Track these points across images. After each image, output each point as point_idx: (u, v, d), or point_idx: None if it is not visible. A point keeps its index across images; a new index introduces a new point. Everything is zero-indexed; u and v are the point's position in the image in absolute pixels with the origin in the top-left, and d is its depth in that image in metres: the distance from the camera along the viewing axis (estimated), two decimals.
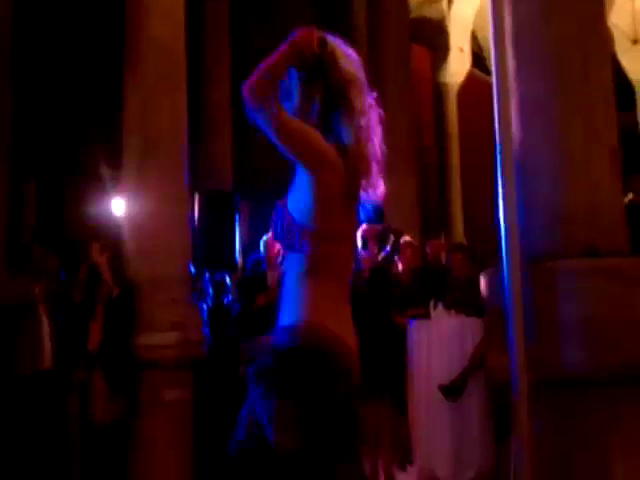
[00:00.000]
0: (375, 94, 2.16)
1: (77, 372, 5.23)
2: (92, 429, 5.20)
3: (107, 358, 5.23)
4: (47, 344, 5.13)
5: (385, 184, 2.15)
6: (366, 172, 2.08)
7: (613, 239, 2.50)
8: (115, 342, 5.20)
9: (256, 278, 5.82)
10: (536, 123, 2.59)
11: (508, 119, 2.46)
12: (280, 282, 2.13)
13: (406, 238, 5.91)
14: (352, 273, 2.18)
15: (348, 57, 2.09)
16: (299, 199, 2.04)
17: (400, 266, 5.79)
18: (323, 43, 2.03)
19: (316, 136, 2.01)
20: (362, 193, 2.11)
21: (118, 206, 8.38)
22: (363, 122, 2.08)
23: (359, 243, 5.93)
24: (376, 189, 2.13)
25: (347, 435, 1.98)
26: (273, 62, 1.96)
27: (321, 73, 2.05)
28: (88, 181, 9.37)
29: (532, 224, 2.52)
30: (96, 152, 8.92)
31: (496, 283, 2.45)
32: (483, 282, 2.67)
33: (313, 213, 2.00)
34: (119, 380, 5.19)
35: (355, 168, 2.03)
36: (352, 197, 2.06)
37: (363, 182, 2.08)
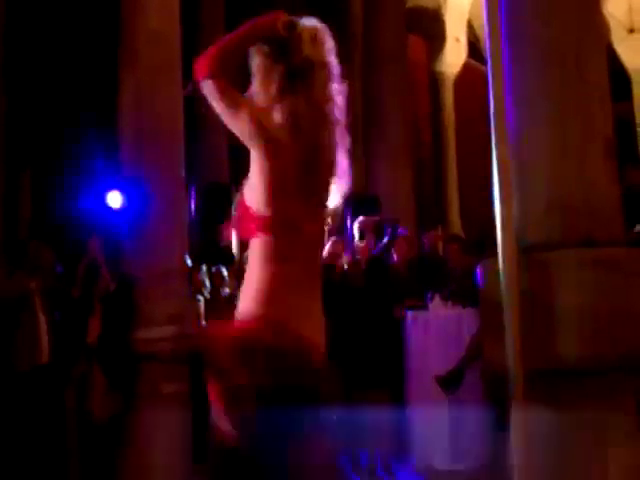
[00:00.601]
0: (344, 84, 2.13)
1: (76, 366, 5.23)
2: (90, 423, 5.20)
3: (105, 352, 5.22)
4: (44, 339, 5.13)
5: (351, 176, 2.13)
6: (324, 162, 2.04)
7: (610, 229, 2.50)
8: (113, 336, 5.20)
9: None
10: (531, 113, 2.59)
11: (502, 108, 2.45)
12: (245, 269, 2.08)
13: (402, 230, 5.91)
14: (320, 260, 2.12)
15: (316, 41, 2.07)
16: (253, 184, 2.01)
17: (395, 258, 5.79)
18: (291, 26, 2.04)
19: (262, 115, 1.99)
20: (327, 186, 2.07)
21: (114, 199, 8.36)
22: (326, 108, 2.05)
23: (356, 235, 5.94)
24: (342, 179, 2.11)
25: (303, 430, 1.92)
26: (228, 40, 2.01)
27: (284, 55, 2.04)
28: (84, 174, 9.35)
29: (528, 214, 2.52)
30: (92, 144, 8.89)
31: (492, 273, 2.45)
32: (479, 272, 2.66)
33: (266, 197, 1.96)
34: (117, 374, 5.19)
35: (310, 155, 1.99)
36: (309, 185, 2.00)
37: (323, 173, 2.05)
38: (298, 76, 2.03)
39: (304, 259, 2.00)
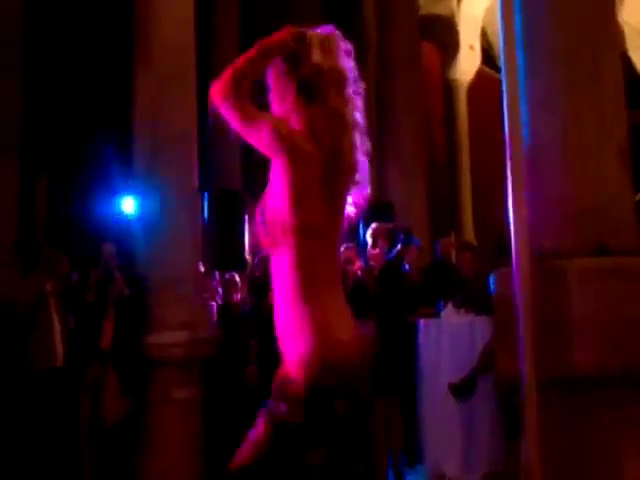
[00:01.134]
0: (361, 87, 2.13)
1: (90, 370, 5.25)
2: (103, 427, 5.22)
3: (119, 356, 5.25)
4: (59, 342, 5.16)
5: (371, 184, 2.15)
6: (345, 167, 2.05)
7: (624, 238, 2.49)
8: (126, 341, 5.22)
9: (266, 277, 5.82)
10: (545, 121, 2.58)
11: (517, 117, 2.44)
12: (271, 289, 2.08)
13: (415, 240, 5.90)
14: (339, 269, 2.14)
15: (326, 48, 2.08)
16: (276, 194, 2.02)
17: (407, 266, 5.78)
18: (300, 37, 2.05)
19: (282, 126, 2.02)
20: (347, 191, 2.09)
21: (128, 205, 8.41)
22: (345, 113, 2.06)
23: (369, 242, 5.93)
24: (360, 186, 2.13)
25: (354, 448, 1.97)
26: (240, 62, 2.03)
27: (296, 66, 2.06)
28: (99, 179, 9.41)
29: (542, 222, 2.51)
30: (107, 150, 8.95)
31: (506, 281, 2.44)
32: (493, 280, 2.66)
33: (291, 206, 1.98)
34: (130, 378, 5.21)
35: (331, 161, 2.01)
36: (332, 191, 2.02)
37: (344, 177, 2.06)
38: (311, 85, 2.04)
39: (331, 264, 2.04)
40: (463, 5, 11.62)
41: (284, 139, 1.99)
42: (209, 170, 9.07)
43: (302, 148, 1.99)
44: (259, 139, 2.02)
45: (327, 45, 2.09)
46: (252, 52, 2.04)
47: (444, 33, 11.64)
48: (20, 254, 5.83)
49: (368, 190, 2.16)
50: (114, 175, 8.82)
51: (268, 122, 2.02)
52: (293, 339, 1.96)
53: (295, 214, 1.98)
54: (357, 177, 2.11)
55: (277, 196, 2.02)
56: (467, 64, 11.68)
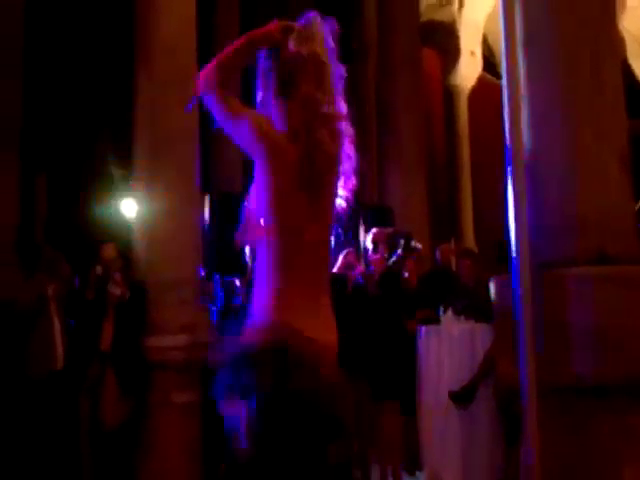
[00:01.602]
0: (342, 70, 2.11)
1: (90, 371, 5.25)
2: (102, 429, 5.21)
3: (118, 359, 5.24)
4: (59, 345, 5.16)
5: (356, 176, 2.13)
6: (325, 159, 2.01)
7: (624, 246, 2.49)
8: (126, 343, 5.22)
9: None
10: (547, 128, 2.59)
11: (518, 123, 2.45)
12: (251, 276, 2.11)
13: (416, 244, 5.90)
14: (327, 263, 2.10)
15: (305, 36, 2.06)
16: (257, 192, 2.03)
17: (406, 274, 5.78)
18: (287, 30, 2.06)
19: (263, 122, 2.01)
20: (333, 186, 2.07)
21: (129, 207, 8.41)
22: (325, 104, 2.04)
23: (370, 247, 5.93)
24: (346, 178, 2.10)
25: (315, 434, 1.92)
26: (225, 53, 2.04)
27: (277, 58, 2.07)
28: (99, 181, 9.42)
29: (542, 229, 2.51)
30: (107, 152, 8.96)
31: (506, 289, 2.44)
32: (493, 288, 2.66)
33: (268, 203, 1.98)
34: (130, 381, 5.20)
35: (310, 156, 1.98)
36: (313, 190, 2.00)
37: (326, 173, 2.03)
38: (289, 76, 2.03)
39: (309, 262, 2.00)
40: (464, 11, 11.64)
41: (263, 135, 1.98)
42: (210, 172, 9.08)
43: (281, 147, 1.98)
44: (240, 134, 2.02)
45: (307, 31, 2.07)
46: (238, 43, 2.05)
47: (445, 39, 11.66)
48: (21, 254, 5.83)
49: (354, 181, 2.13)
50: (114, 176, 8.83)
51: (250, 117, 2.01)
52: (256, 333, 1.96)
53: (273, 211, 1.98)
54: (341, 168, 2.08)
55: (257, 194, 2.03)
56: (468, 70, 11.70)
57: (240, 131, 2.01)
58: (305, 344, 1.91)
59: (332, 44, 2.10)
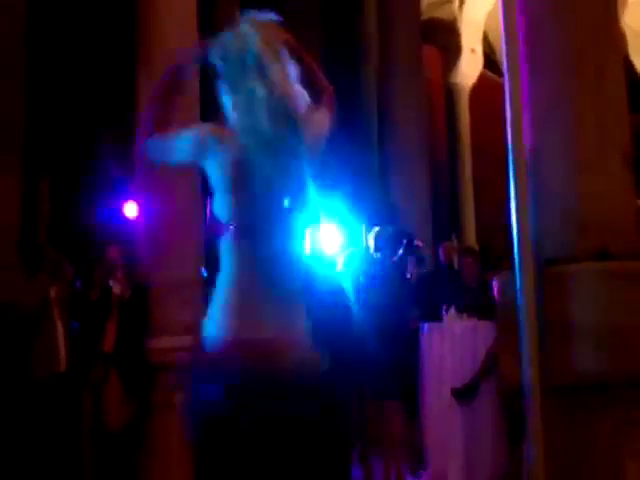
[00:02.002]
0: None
1: (93, 372, 5.25)
2: (105, 431, 5.21)
3: (122, 360, 5.24)
4: (62, 348, 5.16)
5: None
6: (281, 152, 1.99)
7: (627, 242, 2.48)
8: (129, 344, 5.22)
9: None
10: (549, 125, 2.58)
11: (520, 121, 2.44)
12: None
13: (418, 243, 5.90)
14: (287, 257, 2.02)
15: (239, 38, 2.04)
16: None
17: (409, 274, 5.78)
18: (204, 49, 2.10)
19: (190, 134, 2.09)
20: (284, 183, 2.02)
21: (131, 208, 8.41)
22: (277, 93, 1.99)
23: (371, 246, 5.93)
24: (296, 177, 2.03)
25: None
26: (150, 97, 2.18)
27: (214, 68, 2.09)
28: (101, 182, 9.42)
29: (545, 226, 2.51)
30: (109, 153, 8.96)
31: (509, 286, 2.43)
32: (496, 285, 2.65)
33: (214, 199, 2.06)
34: (133, 382, 5.20)
35: (259, 152, 1.98)
36: (260, 188, 1.98)
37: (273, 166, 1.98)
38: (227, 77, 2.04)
39: (257, 258, 1.97)
40: (465, 9, 11.63)
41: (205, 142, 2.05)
42: None
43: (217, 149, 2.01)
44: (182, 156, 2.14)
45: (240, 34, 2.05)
46: (158, 82, 2.16)
47: (446, 37, 11.65)
48: (23, 256, 5.83)
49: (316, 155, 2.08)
50: (117, 178, 8.83)
51: (193, 132, 2.12)
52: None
53: (216, 208, 2.05)
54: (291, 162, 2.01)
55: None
56: (469, 68, 11.69)
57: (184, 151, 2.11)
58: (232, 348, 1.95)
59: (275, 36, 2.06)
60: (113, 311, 5.28)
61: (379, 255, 5.75)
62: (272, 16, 2.10)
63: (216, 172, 2.03)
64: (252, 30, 2.04)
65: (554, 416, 2.36)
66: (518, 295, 2.34)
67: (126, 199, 8.76)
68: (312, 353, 1.98)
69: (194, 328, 5.29)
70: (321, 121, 2.11)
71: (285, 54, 2.05)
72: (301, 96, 2.05)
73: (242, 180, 1.99)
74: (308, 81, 2.11)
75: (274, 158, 1.98)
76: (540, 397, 2.30)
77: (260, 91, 1.98)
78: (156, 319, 5.26)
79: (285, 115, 1.99)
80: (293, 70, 2.05)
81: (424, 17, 10.43)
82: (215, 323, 2.02)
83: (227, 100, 2.05)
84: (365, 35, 10.45)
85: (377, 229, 5.97)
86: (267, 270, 1.97)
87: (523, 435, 2.49)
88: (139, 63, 5.82)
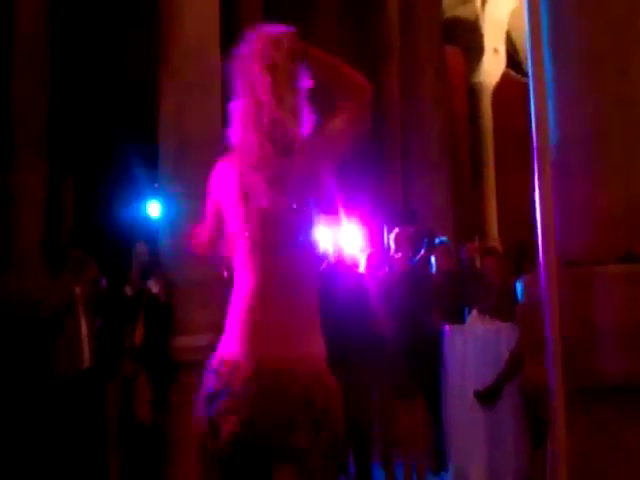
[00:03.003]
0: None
1: (124, 368, 5.29)
2: (132, 428, 5.25)
3: (150, 358, 5.28)
4: (85, 346, 5.21)
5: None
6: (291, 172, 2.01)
7: None
8: (156, 342, 5.26)
9: None
10: (573, 124, 2.56)
11: (544, 120, 2.42)
12: None
13: (441, 239, 5.87)
14: (307, 270, 2.03)
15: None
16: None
17: (435, 269, 5.75)
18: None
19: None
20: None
21: (154, 208, 8.47)
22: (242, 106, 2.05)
23: (392, 246, 5.90)
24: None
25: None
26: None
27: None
28: (125, 183, 9.49)
29: (569, 228, 2.48)
30: (133, 154, 9.03)
31: (533, 288, 2.42)
32: (520, 287, 2.63)
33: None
34: (159, 380, 5.24)
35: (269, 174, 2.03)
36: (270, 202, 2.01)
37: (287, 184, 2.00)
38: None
39: (275, 274, 1.98)
40: (487, 8, 11.56)
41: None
42: None
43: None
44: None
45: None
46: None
47: (468, 36, 11.59)
48: (48, 256, 5.89)
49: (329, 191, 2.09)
50: (140, 178, 8.89)
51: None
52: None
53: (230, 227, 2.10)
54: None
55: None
56: (492, 67, 11.62)
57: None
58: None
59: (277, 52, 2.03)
60: (143, 308, 5.33)
61: (400, 255, 5.74)
62: (287, 27, 2.08)
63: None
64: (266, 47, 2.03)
65: (578, 417, 2.34)
66: (542, 296, 2.32)
67: (149, 198, 8.82)
68: (326, 371, 2.00)
69: (214, 327, 5.33)
70: (336, 126, 2.06)
71: (296, 73, 2.04)
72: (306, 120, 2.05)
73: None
74: (334, 82, 2.08)
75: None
76: (564, 398, 2.27)
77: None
78: (178, 317, 5.29)
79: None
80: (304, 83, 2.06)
81: (447, 16, 10.38)
82: (232, 339, 2.03)
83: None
84: (387, 36, 10.43)
85: (397, 230, 5.96)
86: (284, 286, 1.97)
87: (546, 437, 2.46)
88: (162, 63, 5.86)
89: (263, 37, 2.05)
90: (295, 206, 1.98)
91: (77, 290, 5.27)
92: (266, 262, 1.98)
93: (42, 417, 5.04)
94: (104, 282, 5.71)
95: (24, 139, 6.89)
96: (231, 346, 2.01)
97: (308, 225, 2.02)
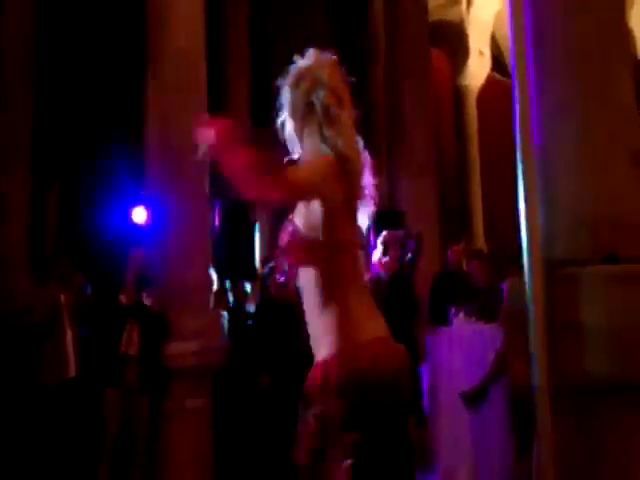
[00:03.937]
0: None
1: (127, 376, 5.25)
2: (134, 434, 5.23)
3: (144, 365, 5.25)
4: (71, 354, 5.17)
5: (377, 182, 2.20)
6: (360, 181, 2.14)
7: (636, 245, 2.46)
8: (149, 350, 5.23)
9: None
10: (557, 127, 2.56)
11: (528, 122, 2.43)
12: (300, 302, 2.15)
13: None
14: (364, 277, 2.24)
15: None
16: (306, 214, 2.08)
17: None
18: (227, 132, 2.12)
19: (319, 167, 2.09)
20: (359, 195, 2.15)
21: (139, 214, 8.43)
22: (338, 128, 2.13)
23: (380, 249, 5.91)
24: (370, 198, 2.19)
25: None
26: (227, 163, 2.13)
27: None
28: (110, 190, 9.44)
29: (554, 229, 2.49)
30: (118, 160, 8.98)
31: (518, 290, 2.42)
32: (505, 288, 2.64)
33: (322, 227, 2.05)
34: (152, 387, 5.21)
35: (350, 171, 2.09)
36: (353, 201, 2.11)
37: (358, 183, 2.14)
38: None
39: (355, 279, 2.10)
40: (473, 11, 11.61)
41: (325, 178, 2.10)
42: (221, 180, 9.07)
43: (335, 175, 2.08)
44: (310, 197, 2.11)
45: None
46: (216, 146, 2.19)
47: (453, 39, 11.63)
48: (33, 264, 5.86)
49: (375, 203, 2.20)
50: (126, 185, 8.85)
51: (311, 175, 2.13)
52: (320, 346, 2.04)
53: (325, 235, 2.06)
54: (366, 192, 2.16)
55: (307, 216, 2.08)
56: (477, 70, 11.67)
57: (310, 194, 2.09)
58: (383, 364, 2.02)
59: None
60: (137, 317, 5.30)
61: (387, 259, 5.74)
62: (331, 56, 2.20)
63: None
64: (320, 71, 2.15)
65: (564, 418, 2.35)
66: (527, 296, 2.33)
67: (134, 204, 8.78)
68: None
69: (204, 332, 5.31)
70: None
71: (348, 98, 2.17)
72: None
73: None
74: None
75: None
76: (549, 398, 2.28)
77: (327, 132, 2.10)
78: (168, 325, 5.26)
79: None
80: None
81: (432, 19, 10.40)
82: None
83: (288, 121, 2.17)
84: (373, 38, 10.44)
85: (385, 233, 5.95)
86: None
87: (533, 437, 2.47)
88: (148, 69, 5.83)
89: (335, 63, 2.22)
90: None
91: (62, 298, 5.23)
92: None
93: (28, 425, 5.00)
94: (89, 290, 5.68)
95: (8, 143, 6.85)
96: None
97: None
